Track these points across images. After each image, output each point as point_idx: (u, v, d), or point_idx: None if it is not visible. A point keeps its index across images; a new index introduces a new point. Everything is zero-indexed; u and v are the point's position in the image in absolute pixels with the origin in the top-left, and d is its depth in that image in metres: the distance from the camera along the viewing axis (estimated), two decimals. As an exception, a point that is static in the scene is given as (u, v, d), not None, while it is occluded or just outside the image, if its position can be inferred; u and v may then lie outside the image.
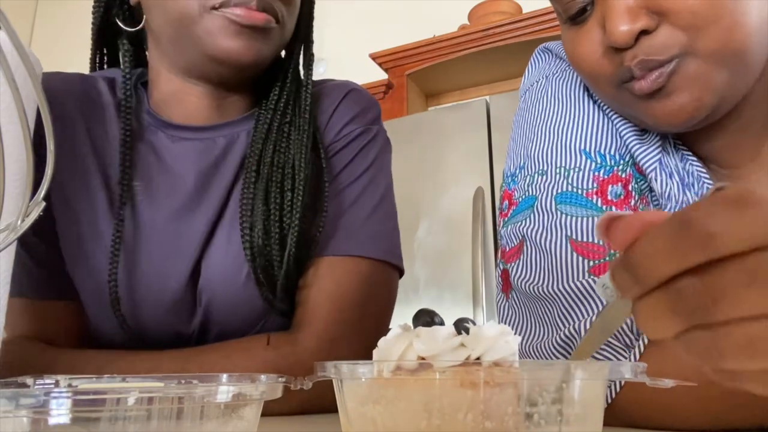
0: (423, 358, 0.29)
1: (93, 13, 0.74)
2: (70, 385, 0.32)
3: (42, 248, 0.70)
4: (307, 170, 0.67)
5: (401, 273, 0.74)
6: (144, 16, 0.71)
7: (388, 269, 0.71)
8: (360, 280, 0.67)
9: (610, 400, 0.49)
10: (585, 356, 0.31)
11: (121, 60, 0.73)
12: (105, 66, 0.78)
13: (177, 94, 0.72)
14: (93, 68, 0.78)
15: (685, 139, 0.59)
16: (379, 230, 0.71)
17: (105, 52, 0.77)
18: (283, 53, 0.75)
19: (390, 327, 0.72)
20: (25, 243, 0.68)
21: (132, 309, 0.66)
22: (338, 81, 0.80)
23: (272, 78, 0.73)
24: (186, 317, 0.68)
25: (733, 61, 0.51)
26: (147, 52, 0.76)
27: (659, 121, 0.53)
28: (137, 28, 0.72)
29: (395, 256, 0.72)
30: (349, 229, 0.69)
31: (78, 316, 0.70)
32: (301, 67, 0.76)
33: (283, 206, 0.65)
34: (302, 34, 0.75)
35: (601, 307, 0.52)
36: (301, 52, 0.76)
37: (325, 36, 3.13)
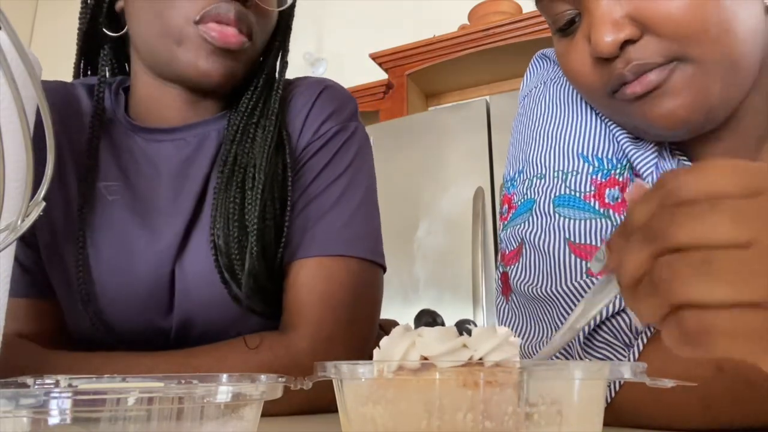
0: (425, 358, 0.29)
1: (80, 19, 0.75)
2: (70, 385, 0.32)
3: (20, 248, 0.71)
4: (268, 168, 0.67)
5: (384, 270, 0.74)
6: (127, 23, 0.73)
7: (374, 268, 0.71)
8: (349, 280, 0.67)
9: (609, 400, 0.49)
10: (572, 332, 0.34)
11: (99, 64, 0.75)
12: (89, 72, 0.80)
13: (154, 97, 0.74)
14: (77, 74, 0.79)
15: (681, 146, 0.60)
16: (362, 229, 0.71)
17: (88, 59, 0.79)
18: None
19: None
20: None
21: (105, 307, 0.68)
22: (313, 78, 0.80)
23: (248, 80, 0.74)
24: (163, 316, 0.68)
25: (723, 69, 0.51)
26: (130, 58, 0.77)
27: (653, 123, 0.53)
28: (120, 33, 0.74)
29: (378, 254, 0.72)
30: (333, 229, 0.69)
31: (57, 314, 0.71)
32: (277, 73, 0.76)
33: (244, 205, 0.66)
34: (279, 42, 0.76)
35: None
36: (278, 58, 0.77)
37: (325, 36, 3.13)
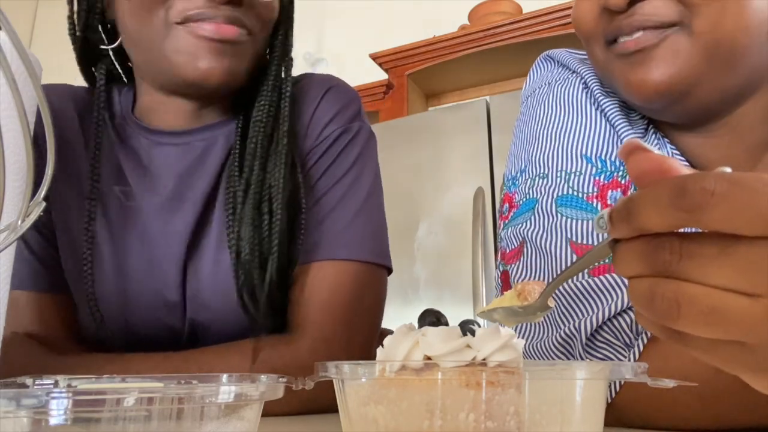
0: (429, 358, 0.29)
1: (70, 35, 0.72)
2: (69, 386, 0.31)
3: (43, 244, 0.72)
4: (286, 192, 0.66)
5: (390, 271, 0.73)
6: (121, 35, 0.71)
7: (376, 269, 0.70)
8: (348, 282, 0.67)
9: (609, 400, 0.49)
10: (560, 283, 0.33)
11: (97, 76, 0.73)
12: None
13: (157, 105, 0.73)
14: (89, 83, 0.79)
15: (684, 151, 0.60)
16: (365, 231, 0.70)
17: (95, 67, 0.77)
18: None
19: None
20: (26, 238, 0.70)
21: (115, 312, 0.68)
22: (317, 76, 0.78)
23: (254, 82, 0.72)
24: (175, 320, 0.68)
25: (718, 51, 0.51)
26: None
27: (631, 88, 0.55)
28: (114, 45, 0.72)
29: (382, 256, 0.71)
30: (334, 233, 0.68)
31: (74, 310, 0.72)
32: (283, 73, 0.74)
33: (261, 229, 0.65)
34: (281, 36, 0.73)
35: (599, 307, 0.52)
36: (284, 56, 0.74)
37: (325, 36, 3.13)
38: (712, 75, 0.52)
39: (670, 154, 0.60)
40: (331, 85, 0.76)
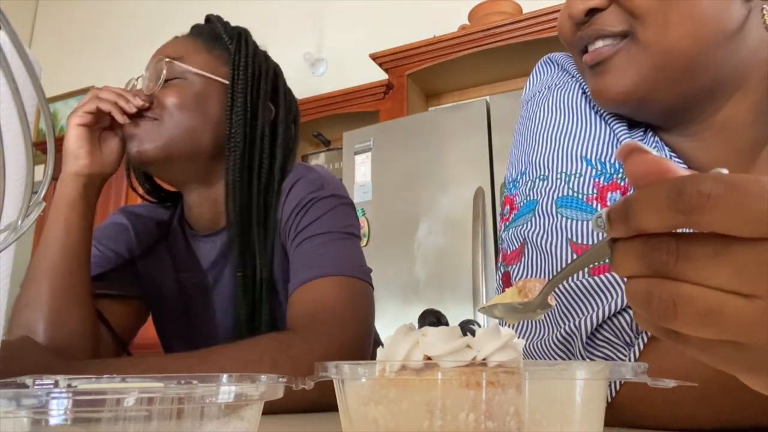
0: (429, 358, 0.29)
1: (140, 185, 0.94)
2: (69, 386, 0.31)
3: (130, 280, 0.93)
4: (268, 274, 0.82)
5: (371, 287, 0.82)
6: None
7: (354, 281, 0.77)
8: (331, 291, 0.75)
9: (609, 399, 0.49)
10: (559, 281, 0.33)
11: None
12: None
13: (188, 212, 0.92)
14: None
15: (681, 154, 0.61)
16: (342, 254, 0.79)
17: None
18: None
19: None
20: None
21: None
22: (295, 173, 0.87)
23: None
24: None
25: (667, 58, 0.54)
26: None
27: (594, 96, 0.60)
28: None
29: (360, 272, 0.79)
30: (306, 262, 0.78)
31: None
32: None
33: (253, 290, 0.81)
34: (232, 113, 0.84)
35: (599, 306, 0.52)
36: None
37: (325, 36, 3.13)
38: (667, 82, 0.55)
39: (668, 157, 0.60)
40: (297, 178, 0.86)
